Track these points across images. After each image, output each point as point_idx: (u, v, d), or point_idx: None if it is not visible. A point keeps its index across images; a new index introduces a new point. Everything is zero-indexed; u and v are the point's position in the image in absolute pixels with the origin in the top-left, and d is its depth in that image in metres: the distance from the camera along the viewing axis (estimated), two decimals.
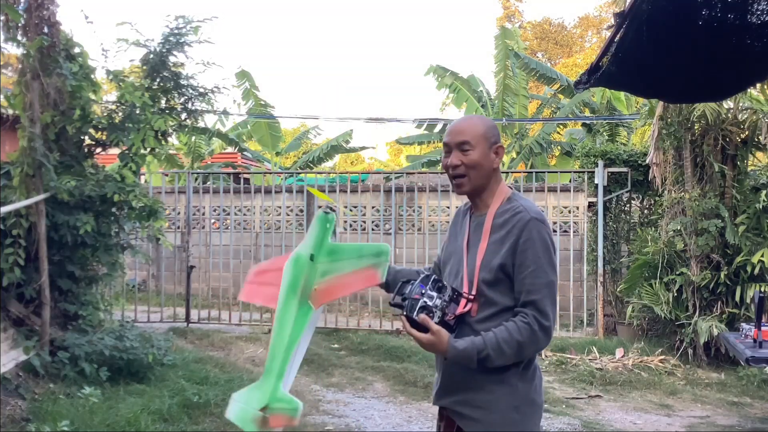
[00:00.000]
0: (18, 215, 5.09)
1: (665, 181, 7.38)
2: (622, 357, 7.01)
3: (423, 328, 1.89)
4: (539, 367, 2.05)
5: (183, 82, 6.14)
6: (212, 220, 10.61)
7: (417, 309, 1.89)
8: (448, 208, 10.07)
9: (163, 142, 6.08)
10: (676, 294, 7.05)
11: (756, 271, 6.59)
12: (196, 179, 10.48)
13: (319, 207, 2.17)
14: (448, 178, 2.11)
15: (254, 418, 1.95)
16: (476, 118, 2.12)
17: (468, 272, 2.00)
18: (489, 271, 1.94)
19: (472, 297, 1.96)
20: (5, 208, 4.91)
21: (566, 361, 6.91)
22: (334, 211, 2.15)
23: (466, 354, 1.88)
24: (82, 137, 5.79)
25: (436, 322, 1.89)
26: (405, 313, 1.91)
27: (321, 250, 2.10)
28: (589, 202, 8.57)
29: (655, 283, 7.15)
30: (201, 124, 11.02)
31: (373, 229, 10.13)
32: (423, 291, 1.92)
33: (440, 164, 16.22)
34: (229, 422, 1.99)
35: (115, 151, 5.91)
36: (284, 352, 1.99)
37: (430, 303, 1.90)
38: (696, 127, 7.07)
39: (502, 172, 2.09)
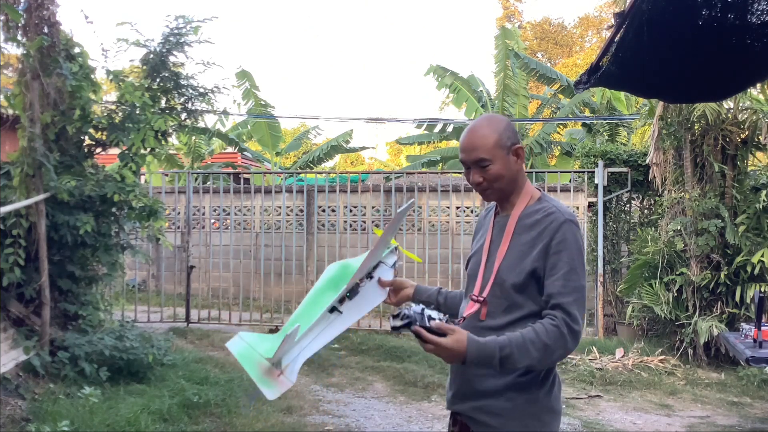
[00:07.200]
0: (18, 215, 5.09)
1: (665, 181, 7.38)
2: (622, 357, 7.01)
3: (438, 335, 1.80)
4: (558, 373, 1.98)
5: (183, 82, 6.14)
6: (212, 220, 10.61)
7: (427, 318, 1.80)
8: (448, 208, 10.07)
9: (163, 142, 6.08)
10: (676, 294, 7.05)
11: (756, 271, 6.59)
12: (196, 179, 10.48)
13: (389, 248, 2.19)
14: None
15: (259, 364, 1.89)
16: (486, 127, 1.95)
17: (484, 274, 1.93)
18: (517, 275, 1.87)
19: (481, 300, 1.91)
20: (5, 208, 4.91)
21: (566, 361, 6.90)
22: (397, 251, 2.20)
23: (488, 350, 1.76)
24: (82, 137, 5.79)
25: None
26: (418, 323, 1.79)
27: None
28: (589, 202, 8.57)
29: (655, 283, 7.15)
30: (201, 124, 11.02)
31: (373, 230, 10.13)
32: (423, 309, 1.85)
33: (440, 164, 16.16)
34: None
35: (115, 151, 5.90)
36: (309, 326, 1.96)
37: (435, 315, 1.83)
38: (696, 127, 7.07)
39: None
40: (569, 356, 7.03)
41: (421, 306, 1.84)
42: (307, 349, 1.95)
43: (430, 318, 1.80)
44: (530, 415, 1.88)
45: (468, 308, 1.93)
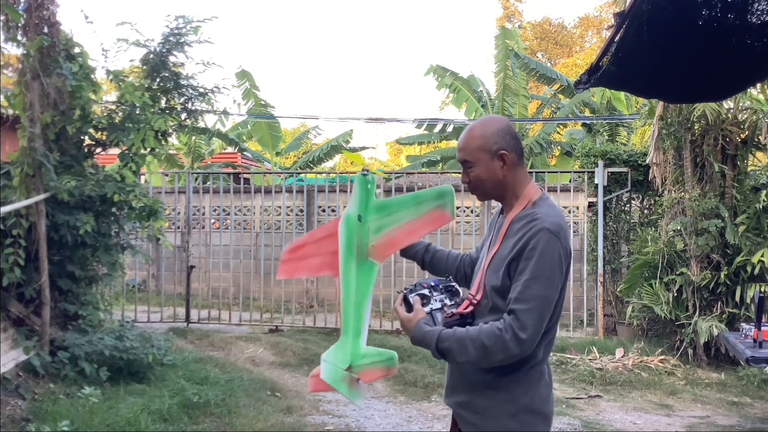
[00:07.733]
0: (18, 215, 5.09)
1: (665, 181, 7.38)
2: (622, 357, 7.01)
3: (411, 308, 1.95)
4: (548, 372, 1.95)
5: (183, 82, 6.14)
6: (212, 220, 10.61)
7: (416, 292, 1.95)
8: None
9: (163, 142, 6.08)
10: (676, 294, 7.04)
11: (756, 271, 6.59)
12: (196, 179, 10.48)
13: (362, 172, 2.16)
14: None
15: (342, 378, 1.97)
16: (478, 128, 1.98)
17: (480, 275, 1.98)
18: (497, 278, 1.90)
19: (475, 302, 1.93)
20: (5, 208, 4.91)
21: (566, 361, 6.91)
22: (369, 172, 2.16)
23: (427, 338, 1.87)
24: (82, 137, 5.79)
25: (426, 312, 1.92)
26: (408, 290, 1.96)
27: (367, 209, 2.11)
28: (589, 202, 8.57)
29: (655, 283, 7.14)
30: (201, 124, 11.01)
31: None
32: (433, 284, 1.96)
33: (440, 164, 16.18)
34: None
35: (115, 151, 5.91)
36: (355, 311, 2.01)
37: (428, 294, 1.95)
38: (696, 127, 7.07)
39: None
40: (569, 356, 7.03)
41: (437, 281, 2.00)
42: (364, 337, 2.04)
43: (419, 294, 1.95)
44: (507, 414, 1.88)
45: (463, 306, 1.96)
